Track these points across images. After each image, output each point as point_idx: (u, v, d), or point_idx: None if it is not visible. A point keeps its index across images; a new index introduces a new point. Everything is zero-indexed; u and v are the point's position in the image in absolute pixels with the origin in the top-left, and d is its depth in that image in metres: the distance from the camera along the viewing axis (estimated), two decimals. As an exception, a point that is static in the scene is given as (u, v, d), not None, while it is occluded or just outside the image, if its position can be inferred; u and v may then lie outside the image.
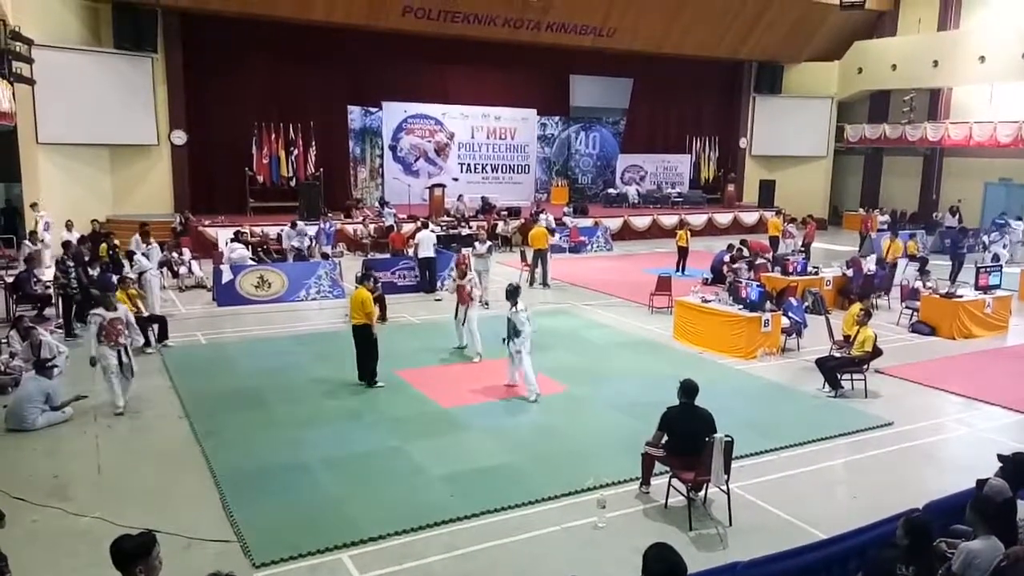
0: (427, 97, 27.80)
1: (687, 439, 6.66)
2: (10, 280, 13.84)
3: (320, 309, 15.08)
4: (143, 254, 14.71)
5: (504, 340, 9.77)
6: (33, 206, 18.02)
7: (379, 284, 13.14)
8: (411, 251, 17.17)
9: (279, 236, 18.90)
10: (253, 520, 6.51)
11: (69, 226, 16.91)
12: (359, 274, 13.18)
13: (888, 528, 4.89)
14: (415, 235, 17.85)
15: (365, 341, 10.05)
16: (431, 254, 16.48)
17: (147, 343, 11.56)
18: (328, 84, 24.87)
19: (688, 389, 6.89)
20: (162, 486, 7.25)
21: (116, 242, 16.02)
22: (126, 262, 14.66)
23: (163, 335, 12.10)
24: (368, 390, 10.00)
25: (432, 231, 17.43)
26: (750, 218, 28.34)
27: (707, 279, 17.14)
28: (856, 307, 11.09)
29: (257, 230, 19.45)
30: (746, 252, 17.40)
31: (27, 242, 16.21)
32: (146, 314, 12.42)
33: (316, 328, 13.58)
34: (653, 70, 29.50)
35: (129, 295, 12.09)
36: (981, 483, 4.90)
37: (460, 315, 11.70)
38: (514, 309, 9.55)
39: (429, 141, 28.27)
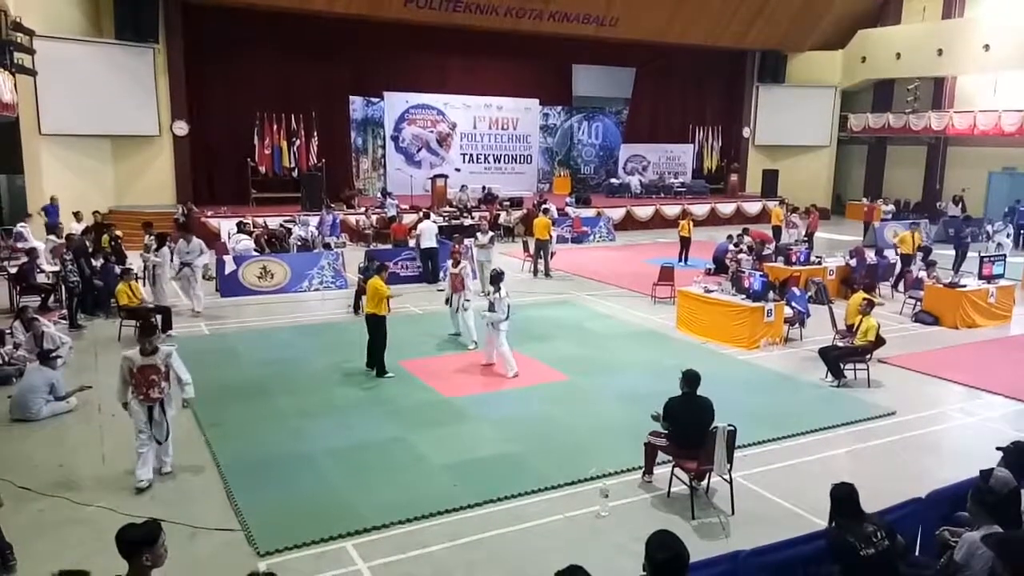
0: (429, 87, 27.77)
1: (690, 429, 6.67)
2: (14, 271, 13.87)
3: (323, 300, 15.09)
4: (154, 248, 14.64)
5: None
6: (45, 211, 17.98)
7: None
8: (413, 242, 17.17)
9: (288, 230, 18.76)
10: (257, 509, 6.53)
11: (79, 217, 16.88)
12: (363, 265, 13.17)
13: (890, 517, 4.90)
14: (417, 226, 17.82)
15: (376, 330, 10.15)
16: (433, 244, 16.48)
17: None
18: (330, 74, 24.83)
19: (690, 379, 6.90)
20: (167, 476, 7.28)
21: (118, 233, 16.01)
22: (148, 252, 14.43)
23: (167, 325, 12.12)
24: (370, 380, 10.03)
25: (434, 222, 17.41)
26: (753, 208, 28.29)
27: (710, 269, 17.08)
28: (859, 296, 11.08)
29: (260, 221, 19.43)
30: (747, 240, 17.39)
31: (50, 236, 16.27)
32: (151, 304, 12.49)
33: (319, 319, 13.59)
34: (656, 60, 29.35)
35: (131, 286, 12.20)
36: (985, 473, 4.88)
37: (453, 303, 11.90)
38: (497, 295, 10.14)
39: (431, 131, 28.23)
